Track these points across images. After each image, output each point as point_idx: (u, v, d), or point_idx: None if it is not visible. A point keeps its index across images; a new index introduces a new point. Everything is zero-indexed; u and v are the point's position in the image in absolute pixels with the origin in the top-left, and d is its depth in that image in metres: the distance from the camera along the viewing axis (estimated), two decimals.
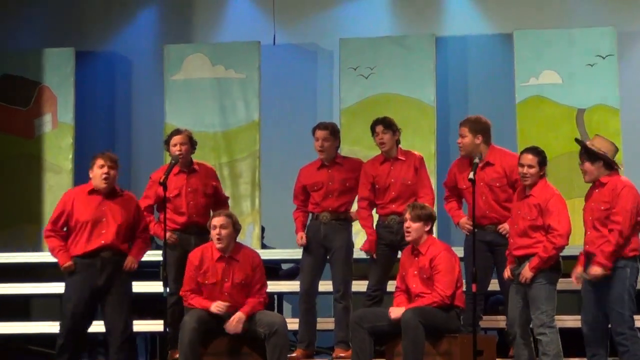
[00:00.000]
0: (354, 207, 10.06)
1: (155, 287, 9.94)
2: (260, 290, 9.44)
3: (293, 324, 10.00)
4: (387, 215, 9.88)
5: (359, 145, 11.87)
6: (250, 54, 12.36)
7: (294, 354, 9.89)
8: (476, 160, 9.06)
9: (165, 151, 11.79)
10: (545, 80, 11.96)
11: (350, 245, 10.09)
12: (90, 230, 9.42)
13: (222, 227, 9.32)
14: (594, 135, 9.49)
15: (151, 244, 9.78)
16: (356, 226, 10.62)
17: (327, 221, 10.01)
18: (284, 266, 12.12)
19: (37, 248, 12.24)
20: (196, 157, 10.31)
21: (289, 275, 11.78)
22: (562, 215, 9.02)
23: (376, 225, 10.01)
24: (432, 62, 12.14)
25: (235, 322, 9.23)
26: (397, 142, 9.98)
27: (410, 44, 12.27)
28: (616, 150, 9.00)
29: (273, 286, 10.29)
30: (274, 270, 11.50)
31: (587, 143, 9.03)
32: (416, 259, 9.24)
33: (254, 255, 9.64)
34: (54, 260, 10.61)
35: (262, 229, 12.22)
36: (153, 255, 10.92)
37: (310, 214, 10.12)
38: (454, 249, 9.58)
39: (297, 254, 10.39)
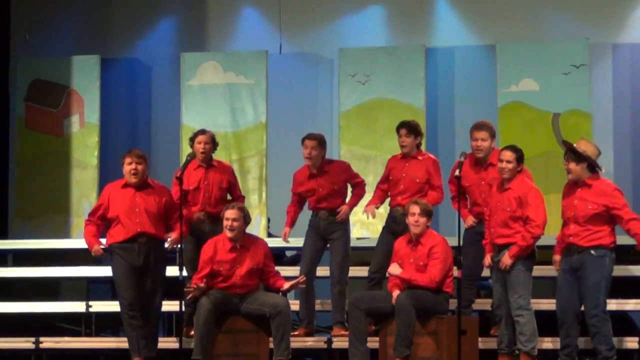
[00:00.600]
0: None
1: (172, 271, 9.97)
2: (277, 273, 9.57)
3: (295, 305, 10.05)
4: (394, 207, 9.95)
5: (356, 145, 11.92)
6: (259, 62, 12.36)
7: (296, 332, 9.95)
8: (461, 159, 9.08)
9: (183, 148, 11.97)
10: (524, 88, 11.94)
11: (347, 237, 10.14)
12: (126, 220, 9.52)
13: (234, 219, 9.40)
14: (580, 138, 9.49)
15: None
16: (353, 217, 10.69)
17: (325, 217, 10.08)
18: (288, 253, 12.14)
19: (65, 236, 12.28)
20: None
21: (292, 262, 11.81)
22: (539, 207, 9.08)
23: (388, 214, 10.08)
24: (422, 70, 12.14)
25: (290, 286, 9.45)
26: (418, 145, 10.01)
27: (403, 53, 12.26)
28: (599, 153, 9.07)
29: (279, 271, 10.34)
30: (278, 256, 11.53)
31: (574, 145, 9.09)
32: (414, 248, 9.27)
33: (263, 243, 9.73)
34: (80, 246, 10.73)
35: (268, 220, 12.26)
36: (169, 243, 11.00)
37: (311, 212, 10.18)
38: (446, 238, 9.66)
39: (299, 242, 10.39)
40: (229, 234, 9.41)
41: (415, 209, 9.20)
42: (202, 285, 9.35)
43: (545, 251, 9.49)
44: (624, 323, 10.47)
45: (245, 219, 9.50)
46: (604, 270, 8.94)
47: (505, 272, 9.14)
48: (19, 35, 13.01)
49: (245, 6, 13.12)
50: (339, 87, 12.35)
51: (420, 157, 9.95)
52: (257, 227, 11.65)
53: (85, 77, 12.55)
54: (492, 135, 9.68)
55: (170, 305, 10.15)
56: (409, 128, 9.95)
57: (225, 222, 9.43)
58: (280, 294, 9.71)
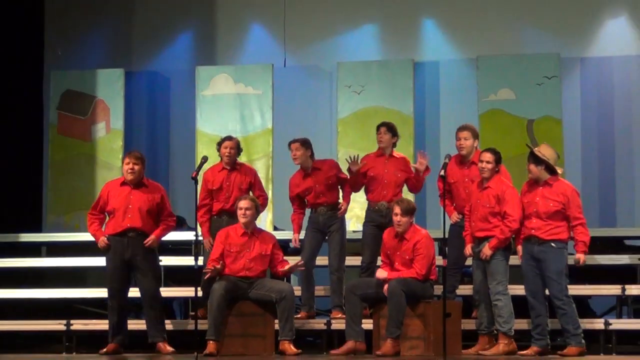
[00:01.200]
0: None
1: (188, 261, 10.03)
2: (284, 262, 9.64)
3: (298, 291, 10.08)
4: (377, 202, 9.96)
5: (352, 148, 11.90)
6: (265, 74, 12.37)
7: (298, 315, 10.00)
8: (446, 160, 9.09)
9: (198, 151, 11.99)
10: (502, 97, 11.95)
11: (344, 230, 10.18)
12: (120, 215, 9.59)
13: (247, 208, 9.50)
14: (542, 143, 9.56)
15: (171, 229, 9.85)
16: (349, 213, 10.74)
17: (324, 213, 10.12)
18: (291, 244, 12.17)
19: None
20: (218, 158, 10.43)
21: (296, 252, 11.84)
22: (515, 204, 9.13)
23: (367, 209, 10.10)
24: (411, 81, 12.14)
25: (289, 268, 9.52)
26: (394, 144, 10.07)
27: (393, 67, 12.28)
28: (557, 157, 9.15)
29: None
30: (282, 247, 11.56)
31: (535, 149, 9.16)
32: (400, 243, 9.31)
33: (271, 235, 9.83)
34: None
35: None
36: (187, 235, 11.07)
37: (310, 209, 10.22)
38: (432, 231, 9.71)
39: (301, 235, 10.41)
40: (242, 219, 9.50)
41: (397, 209, 9.24)
42: (218, 266, 9.43)
43: None
44: (588, 306, 10.54)
45: (257, 208, 9.59)
46: (564, 260, 9.03)
47: (485, 262, 9.20)
48: (51, 51, 13.01)
49: (253, 24, 13.12)
50: (337, 97, 12.37)
51: (397, 156, 10.00)
52: (264, 221, 11.68)
53: (110, 88, 12.56)
54: (475, 136, 9.71)
55: (185, 291, 10.21)
56: (388, 127, 10.01)
57: (239, 211, 9.51)
58: (285, 279, 9.78)
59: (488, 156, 9.22)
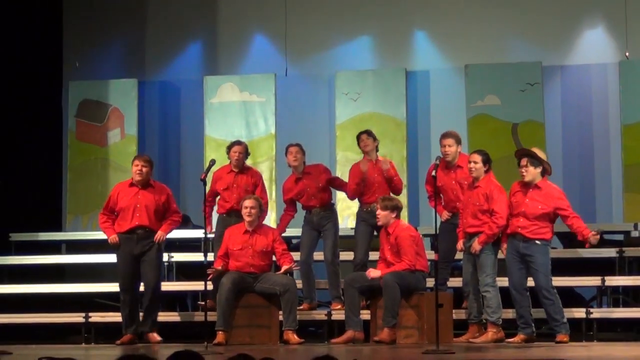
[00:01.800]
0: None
1: (197, 257, 9.99)
2: (285, 253, 9.56)
3: (300, 284, 10.07)
4: (370, 203, 9.91)
5: (350, 151, 11.89)
6: (268, 83, 12.34)
7: (301, 307, 9.97)
8: (436, 162, 9.06)
9: (206, 155, 11.96)
10: (488, 102, 11.90)
11: (337, 228, 10.14)
12: (129, 214, 9.58)
13: (251, 207, 9.52)
14: (533, 147, 9.53)
15: (177, 224, 9.85)
16: (347, 211, 10.69)
17: (317, 213, 10.07)
18: (294, 241, 12.14)
19: None
20: (227, 161, 10.40)
21: (297, 248, 11.80)
22: (502, 202, 9.11)
23: (359, 210, 10.05)
24: (404, 89, 12.12)
25: (284, 270, 9.51)
26: (377, 148, 10.02)
27: (387, 75, 12.25)
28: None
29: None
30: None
31: (535, 151, 9.17)
32: (388, 237, 9.35)
33: (274, 231, 9.80)
34: None
35: None
36: (197, 233, 11.05)
37: (305, 211, 10.16)
38: (424, 227, 9.68)
39: (298, 233, 10.45)
40: (247, 218, 9.51)
41: (378, 204, 9.33)
42: (219, 268, 9.39)
43: None
44: (570, 297, 10.49)
45: (261, 207, 9.59)
46: (548, 254, 9.01)
47: (475, 256, 9.17)
48: (70, 62, 13.00)
49: (257, 36, 13.07)
50: (335, 103, 12.33)
51: (382, 159, 9.94)
52: (267, 221, 11.61)
53: (125, 97, 12.52)
54: (458, 142, 9.68)
55: (195, 285, 10.17)
56: (368, 133, 10.00)
57: (244, 210, 9.53)
58: (287, 273, 9.75)
59: (476, 157, 9.25)
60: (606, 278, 10.08)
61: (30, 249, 11.68)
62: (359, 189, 9.94)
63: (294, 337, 9.37)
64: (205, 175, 9.30)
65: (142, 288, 9.79)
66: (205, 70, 12.94)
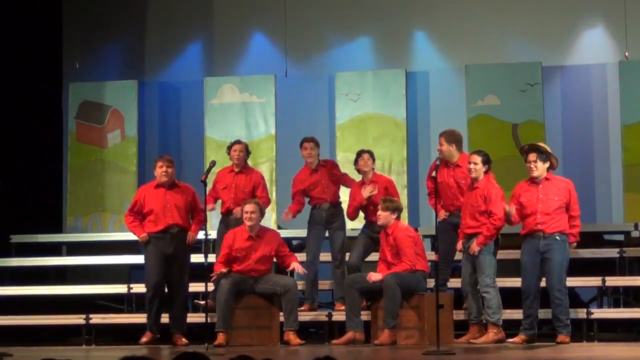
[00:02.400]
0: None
1: (198, 258, 9.98)
2: (290, 254, 9.56)
3: (301, 284, 10.06)
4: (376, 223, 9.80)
5: (350, 152, 11.80)
6: (268, 84, 12.33)
7: (302, 307, 9.96)
8: (437, 162, 9.09)
9: (206, 156, 11.96)
10: (488, 102, 11.88)
11: (345, 226, 10.15)
12: (159, 214, 9.59)
13: (252, 212, 9.48)
14: (538, 143, 9.47)
15: (204, 223, 9.82)
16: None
17: (327, 209, 10.07)
18: (294, 242, 12.13)
19: (109, 230, 12.28)
20: (228, 162, 10.40)
21: (298, 249, 11.80)
22: (500, 203, 9.10)
23: (366, 223, 10.01)
24: (404, 89, 12.09)
25: (298, 266, 9.49)
26: (373, 168, 10.03)
27: (387, 76, 12.22)
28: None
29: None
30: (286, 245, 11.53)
31: (540, 145, 9.15)
32: (387, 238, 9.35)
33: (276, 234, 9.79)
34: (122, 238, 10.73)
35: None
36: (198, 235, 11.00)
37: (312, 206, 10.16)
38: (424, 228, 9.66)
39: (303, 233, 10.46)
40: (248, 223, 9.47)
41: (380, 205, 9.34)
42: (224, 270, 9.39)
43: (509, 238, 9.53)
44: (571, 297, 10.47)
45: (261, 211, 9.58)
46: (566, 253, 9.00)
47: (474, 257, 9.16)
48: (70, 64, 12.99)
49: (257, 37, 13.06)
50: (335, 104, 12.32)
51: (376, 180, 9.93)
52: (268, 221, 11.64)
53: (125, 98, 12.52)
54: (450, 140, 9.60)
55: (196, 287, 10.16)
56: (370, 153, 10.02)
57: (244, 215, 9.50)
58: (289, 273, 9.76)
59: (475, 157, 9.24)
60: (607, 278, 10.07)
61: (30, 250, 11.67)
62: (356, 213, 10.00)
63: (294, 338, 9.36)
64: (206, 177, 9.30)
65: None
66: (205, 72, 12.93)
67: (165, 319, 9.80)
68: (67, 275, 11.80)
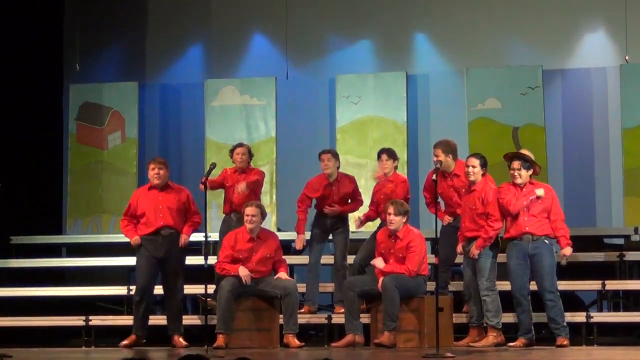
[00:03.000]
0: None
1: (198, 260, 9.97)
2: (282, 261, 9.57)
3: (300, 287, 10.03)
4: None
5: (350, 154, 11.91)
6: (269, 86, 12.33)
7: (302, 310, 9.94)
8: (438, 165, 9.12)
9: (207, 158, 11.96)
10: (489, 106, 11.89)
11: (348, 230, 10.14)
12: (151, 216, 9.58)
13: (253, 215, 9.48)
14: (523, 148, 9.53)
15: (198, 225, 9.85)
16: (356, 214, 10.65)
17: (332, 217, 10.05)
18: (295, 246, 12.12)
19: (109, 232, 12.28)
20: (229, 164, 10.40)
21: (296, 253, 11.79)
22: (497, 205, 9.10)
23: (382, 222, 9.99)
24: (404, 92, 12.10)
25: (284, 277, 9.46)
26: (395, 167, 9.98)
27: (388, 79, 12.23)
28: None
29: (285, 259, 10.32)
30: (286, 247, 11.51)
31: (524, 153, 9.16)
32: (394, 242, 9.28)
33: (276, 237, 9.78)
34: (121, 240, 10.72)
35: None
36: (197, 237, 10.99)
37: (318, 210, 10.15)
38: (425, 231, 9.64)
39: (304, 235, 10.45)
40: (249, 225, 9.47)
41: (391, 209, 9.21)
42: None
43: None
44: (571, 301, 10.48)
45: (262, 214, 9.57)
46: (554, 256, 9.01)
47: (474, 259, 9.15)
48: (70, 65, 12.98)
49: (258, 40, 13.07)
50: (335, 107, 12.32)
51: (392, 180, 9.87)
52: (268, 223, 11.63)
53: (125, 100, 12.52)
54: (447, 151, 9.57)
55: (196, 289, 10.16)
56: (389, 153, 9.93)
57: (245, 217, 9.50)
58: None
59: (473, 160, 9.25)
60: (606, 282, 10.07)
61: (30, 252, 11.67)
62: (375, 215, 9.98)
63: (294, 341, 9.36)
64: (206, 179, 9.29)
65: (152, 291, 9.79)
66: (206, 73, 12.93)
67: (163, 321, 9.78)
68: (66, 277, 11.80)
